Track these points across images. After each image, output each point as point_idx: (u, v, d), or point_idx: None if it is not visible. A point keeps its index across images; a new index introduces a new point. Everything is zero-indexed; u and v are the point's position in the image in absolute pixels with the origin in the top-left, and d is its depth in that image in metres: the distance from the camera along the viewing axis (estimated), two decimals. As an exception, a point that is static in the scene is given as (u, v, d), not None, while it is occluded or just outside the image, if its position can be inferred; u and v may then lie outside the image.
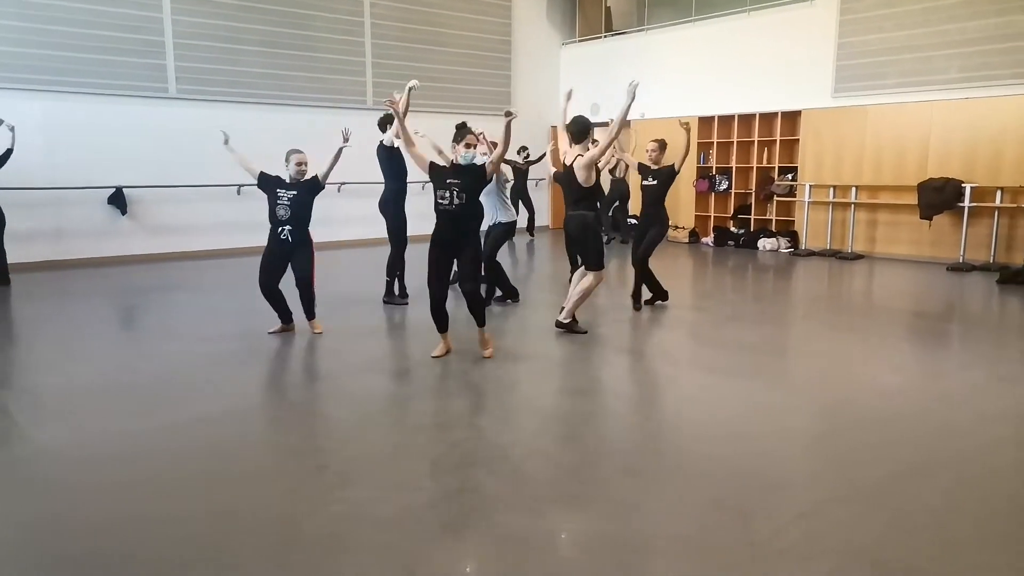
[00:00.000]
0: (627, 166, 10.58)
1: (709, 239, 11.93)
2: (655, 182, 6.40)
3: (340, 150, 5.50)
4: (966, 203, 9.08)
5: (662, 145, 6.45)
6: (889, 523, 2.69)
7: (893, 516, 2.75)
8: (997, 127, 8.97)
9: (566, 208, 5.60)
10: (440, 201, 4.63)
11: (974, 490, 2.98)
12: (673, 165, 6.29)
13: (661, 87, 12.45)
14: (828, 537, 2.59)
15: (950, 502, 2.87)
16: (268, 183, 5.42)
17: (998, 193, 8.95)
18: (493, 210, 6.53)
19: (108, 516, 2.78)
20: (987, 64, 8.96)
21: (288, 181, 5.42)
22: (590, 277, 5.50)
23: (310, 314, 5.63)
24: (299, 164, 5.43)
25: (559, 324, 5.61)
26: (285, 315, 5.58)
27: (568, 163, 5.48)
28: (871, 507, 2.82)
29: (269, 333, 5.55)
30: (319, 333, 5.59)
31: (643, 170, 6.49)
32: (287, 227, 5.35)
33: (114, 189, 9.54)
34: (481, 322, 4.90)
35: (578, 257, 5.80)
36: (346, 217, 11.50)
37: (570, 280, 6.02)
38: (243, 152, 5.53)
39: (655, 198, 6.43)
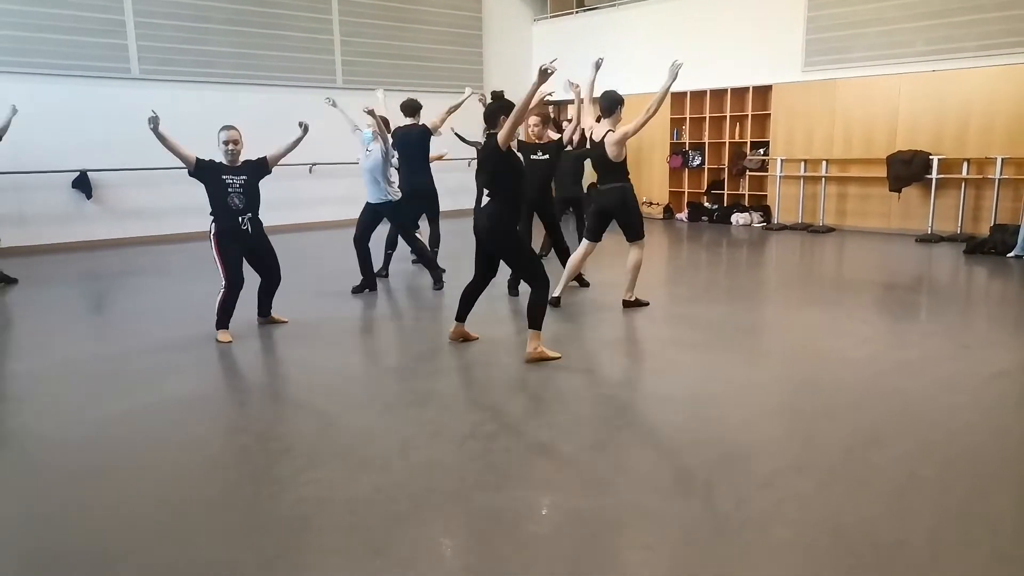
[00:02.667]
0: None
1: (683, 215, 11.99)
2: (545, 156, 6.02)
3: (299, 139, 5.13)
4: (934, 175, 9.20)
5: (545, 119, 6.08)
6: (848, 491, 2.75)
7: (852, 484, 2.81)
8: (963, 99, 9.07)
9: (598, 182, 5.57)
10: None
11: (932, 456, 3.05)
12: (560, 139, 6.03)
13: (633, 62, 12.40)
14: (789, 506, 2.64)
15: (908, 468, 2.93)
16: (211, 170, 4.82)
17: (964, 165, 9.07)
18: (376, 187, 6.22)
19: (69, 503, 2.75)
20: (952, 37, 9.03)
21: (227, 164, 4.86)
22: (636, 250, 5.52)
23: (269, 310, 5.33)
24: (227, 143, 4.82)
25: (626, 303, 5.64)
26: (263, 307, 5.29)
27: (597, 138, 5.38)
28: (831, 476, 2.88)
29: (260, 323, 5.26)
30: (284, 322, 5.34)
31: (527, 147, 6.00)
32: (247, 216, 4.91)
33: (78, 173, 9.35)
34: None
35: (599, 230, 5.62)
36: (321, 198, 11.39)
37: (562, 260, 5.95)
38: (174, 138, 4.76)
39: (545, 176, 6.07)
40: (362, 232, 6.37)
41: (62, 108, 9.23)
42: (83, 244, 9.42)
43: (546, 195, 6.19)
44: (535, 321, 4.33)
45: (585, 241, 5.68)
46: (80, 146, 9.37)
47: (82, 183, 9.36)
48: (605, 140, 5.31)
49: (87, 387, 4.11)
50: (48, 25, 9.00)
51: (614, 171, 5.41)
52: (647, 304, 5.69)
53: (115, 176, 9.65)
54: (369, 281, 6.40)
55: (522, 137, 5.89)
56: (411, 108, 7.10)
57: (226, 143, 4.83)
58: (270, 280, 5.23)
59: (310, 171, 11.14)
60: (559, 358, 4.37)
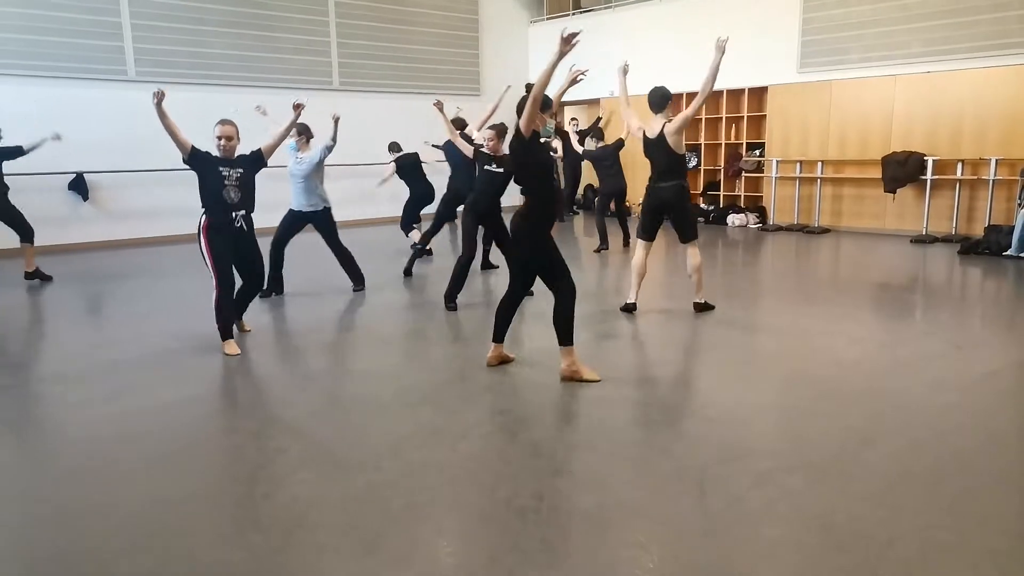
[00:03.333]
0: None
1: (679, 216, 12.00)
2: (499, 170, 5.81)
3: (294, 121, 5.00)
4: (928, 176, 9.23)
5: (500, 132, 5.85)
6: (839, 489, 2.76)
7: (843, 481, 2.82)
8: (957, 101, 9.10)
9: (652, 180, 5.50)
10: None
11: (922, 455, 3.06)
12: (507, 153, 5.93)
13: (630, 64, 12.42)
14: (780, 504, 2.65)
15: (898, 467, 2.94)
16: (206, 161, 4.57)
17: (959, 165, 9.10)
18: (306, 195, 6.23)
19: (63, 504, 2.76)
20: (947, 39, 9.07)
21: (223, 157, 4.62)
22: (695, 252, 5.53)
23: (242, 313, 5.11)
24: (221, 138, 4.56)
25: (697, 306, 5.63)
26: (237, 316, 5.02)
27: (653, 134, 5.37)
28: (822, 474, 2.89)
29: (226, 354, 4.66)
30: (247, 331, 5.13)
31: (486, 158, 5.89)
32: (240, 212, 4.65)
33: (75, 175, 9.36)
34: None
35: (653, 228, 5.60)
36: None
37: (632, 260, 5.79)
38: (174, 119, 4.49)
39: (498, 187, 5.86)
40: (281, 237, 6.36)
41: (58, 110, 9.23)
42: (79, 246, 9.42)
43: (497, 206, 6.00)
44: (565, 335, 3.97)
45: (640, 241, 5.64)
46: (76, 148, 9.35)
47: (78, 185, 9.37)
48: (665, 130, 5.30)
49: (80, 388, 4.11)
50: (45, 27, 9.02)
51: (673, 167, 5.39)
52: (713, 307, 5.67)
53: (111, 178, 9.67)
54: (277, 286, 6.38)
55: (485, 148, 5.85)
56: (459, 123, 7.75)
57: (219, 138, 4.57)
58: (251, 285, 4.96)
59: (306, 173, 11.15)
60: (598, 381, 3.99)
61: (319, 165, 6.18)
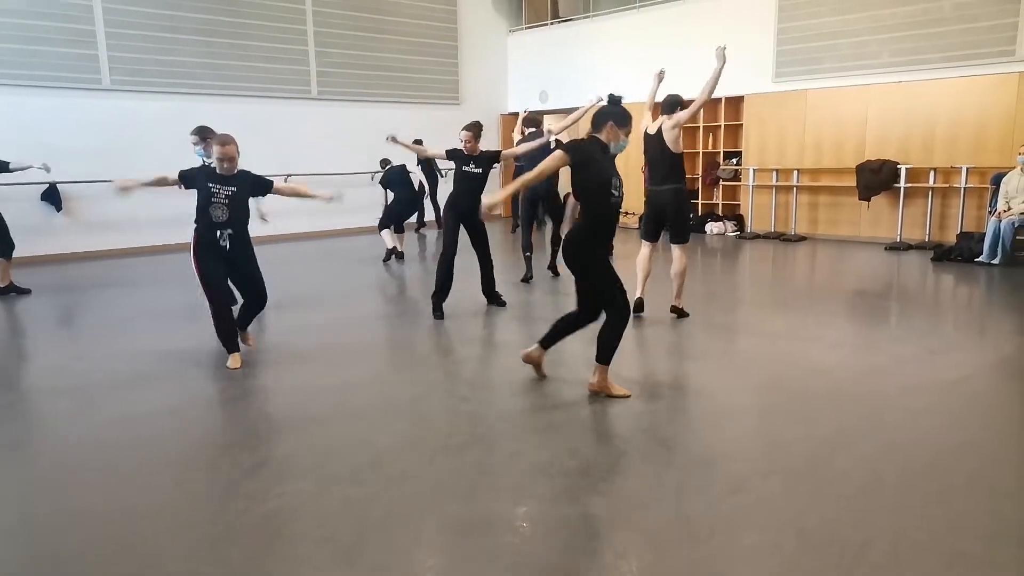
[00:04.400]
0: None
1: (658, 224, 12.08)
2: (478, 170, 5.85)
3: (313, 197, 4.78)
4: (902, 184, 9.38)
5: (476, 132, 5.86)
6: (814, 493, 2.79)
7: (818, 486, 2.85)
8: (929, 110, 9.27)
9: (652, 183, 5.66)
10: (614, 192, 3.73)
11: (895, 458, 3.10)
12: (492, 152, 5.97)
13: (607, 73, 12.53)
14: (756, 510, 2.67)
15: (872, 470, 2.97)
16: (196, 178, 4.42)
17: (931, 174, 9.26)
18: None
19: (33, 515, 2.71)
20: (918, 49, 9.24)
21: (217, 172, 4.38)
22: (680, 256, 5.59)
23: (245, 327, 4.86)
24: (222, 160, 4.32)
25: (674, 309, 5.71)
26: (233, 341, 4.63)
27: (653, 131, 5.53)
28: (798, 478, 2.92)
29: (231, 368, 4.50)
30: (250, 346, 4.91)
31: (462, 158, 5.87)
32: (227, 231, 4.42)
33: (47, 185, 9.22)
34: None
35: (656, 231, 5.74)
36: (296, 209, 11.30)
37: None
38: (151, 177, 4.46)
39: (477, 187, 5.85)
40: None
41: (30, 119, 9.12)
42: (53, 257, 9.29)
43: (477, 205, 5.87)
44: (605, 355, 3.82)
45: (644, 242, 5.77)
46: (48, 158, 9.19)
47: (51, 195, 9.24)
48: (662, 127, 5.45)
49: (54, 401, 4.05)
50: (17, 36, 8.91)
51: (672, 170, 5.51)
52: (687, 315, 5.72)
53: (85, 188, 9.53)
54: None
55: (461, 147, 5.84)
56: (534, 122, 7.77)
57: (220, 160, 4.33)
58: (251, 302, 4.72)
59: (285, 181, 11.07)
60: (628, 396, 3.87)
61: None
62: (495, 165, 5.99)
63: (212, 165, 4.48)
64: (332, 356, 4.94)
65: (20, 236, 9.08)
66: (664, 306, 5.83)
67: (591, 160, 3.67)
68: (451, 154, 5.89)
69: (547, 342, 4.09)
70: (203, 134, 5.76)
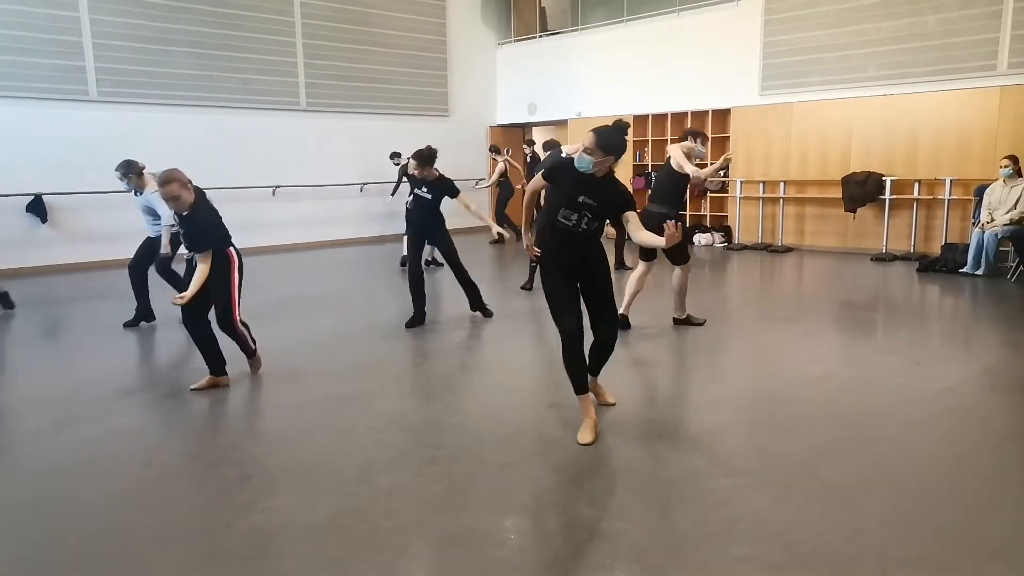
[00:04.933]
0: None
1: (646, 235, 12.13)
2: (429, 196, 5.94)
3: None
4: (887, 195, 9.47)
5: (422, 160, 5.86)
6: (802, 506, 2.79)
7: (806, 498, 2.85)
8: (913, 123, 9.38)
9: (649, 201, 5.83)
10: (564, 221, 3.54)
11: (884, 471, 3.11)
12: (441, 176, 5.94)
13: (596, 86, 12.63)
14: (744, 523, 2.66)
15: (860, 483, 2.98)
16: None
17: (916, 185, 9.36)
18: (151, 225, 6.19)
19: (14, 533, 2.67)
20: (902, 63, 9.36)
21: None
22: (678, 275, 5.70)
23: (247, 352, 4.67)
24: (167, 200, 4.13)
25: (676, 320, 5.85)
26: (215, 364, 4.44)
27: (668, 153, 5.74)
28: (786, 491, 2.92)
29: (192, 389, 4.36)
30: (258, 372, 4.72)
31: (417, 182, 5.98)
32: (192, 258, 4.35)
33: (33, 196, 9.16)
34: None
35: (652, 250, 5.72)
36: (284, 221, 11.30)
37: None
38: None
39: (427, 209, 5.98)
40: (138, 261, 6.19)
41: (17, 130, 9.06)
42: (38, 269, 9.21)
43: (431, 222, 6.04)
44: (593, 369, 3.87)
45: (641, 262, 5.83)
46: (34, 169, 9.19)
47: (36, 207, 9.17)
48: (671, 147, 5.72)
49: (38, 415, 4.00)
50: (3, 46, 8.86)
51: (668, 192, 5.65)
52: (703, 322, 5.87)
53: (71, 200, 9.47)
54: (144, 312, 6.20)
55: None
56: (552, 144, 7.85)
57: (167, 201, 4.21)
58: (217, 319, 4.46)
59: (273, 193, 11.06)
60: (612, 404, 3.96)
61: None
62: (448, 197, 6.00)
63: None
64: (319, 369, 4.91)
65: (5, 248, 9.07)
66: (652, 319, 5.84)
67: (560, 182, 3.58)
68: (409, 177, 6.10)
69: (591, 372, 3.88)
70: (127, 170, 5.78)
